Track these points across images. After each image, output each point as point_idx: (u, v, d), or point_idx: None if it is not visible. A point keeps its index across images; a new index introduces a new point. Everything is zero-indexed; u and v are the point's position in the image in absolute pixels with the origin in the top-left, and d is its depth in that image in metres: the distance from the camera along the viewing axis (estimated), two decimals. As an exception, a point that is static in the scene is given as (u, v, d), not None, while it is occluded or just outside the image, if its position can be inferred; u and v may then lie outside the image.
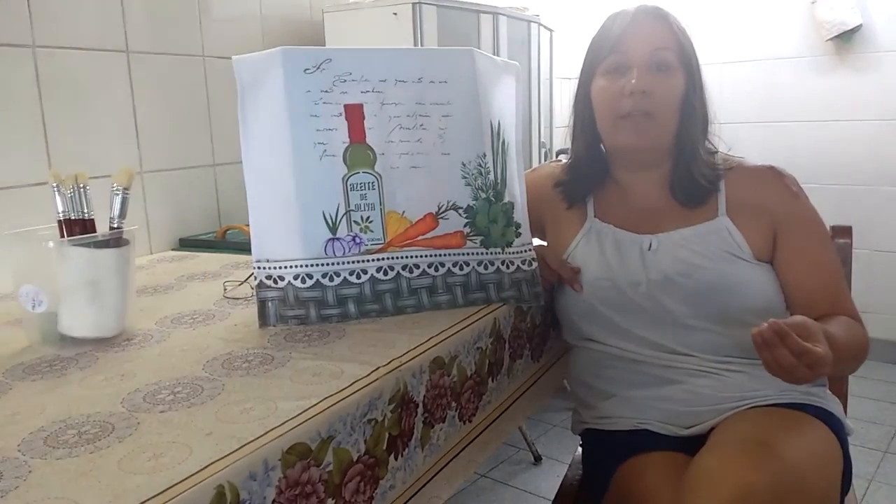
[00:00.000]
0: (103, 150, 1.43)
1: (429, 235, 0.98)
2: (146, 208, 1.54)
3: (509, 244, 1.03)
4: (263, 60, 0.91)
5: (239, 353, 0.82)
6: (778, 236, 1.04)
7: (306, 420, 0.64)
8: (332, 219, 0.93)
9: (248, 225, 0.95)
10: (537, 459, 2.21)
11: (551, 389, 1.23)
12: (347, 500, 0.68)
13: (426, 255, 0.98)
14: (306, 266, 0.93)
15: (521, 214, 1.04)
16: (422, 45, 1.79)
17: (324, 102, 0.92)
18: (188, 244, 1.60)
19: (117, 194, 0.90)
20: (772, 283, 1.03)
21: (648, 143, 1.05)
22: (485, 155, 1.00)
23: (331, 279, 0.93)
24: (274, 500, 0.59)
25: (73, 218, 0.88)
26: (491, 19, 2.09)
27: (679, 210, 1.07)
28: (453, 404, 0.88)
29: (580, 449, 1.17)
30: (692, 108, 1.05)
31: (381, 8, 1.85)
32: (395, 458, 0.76)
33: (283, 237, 0.93)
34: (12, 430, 0.63)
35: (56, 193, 0.87)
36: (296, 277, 0.92)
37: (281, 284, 0.92)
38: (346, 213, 0.94)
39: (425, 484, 0.83)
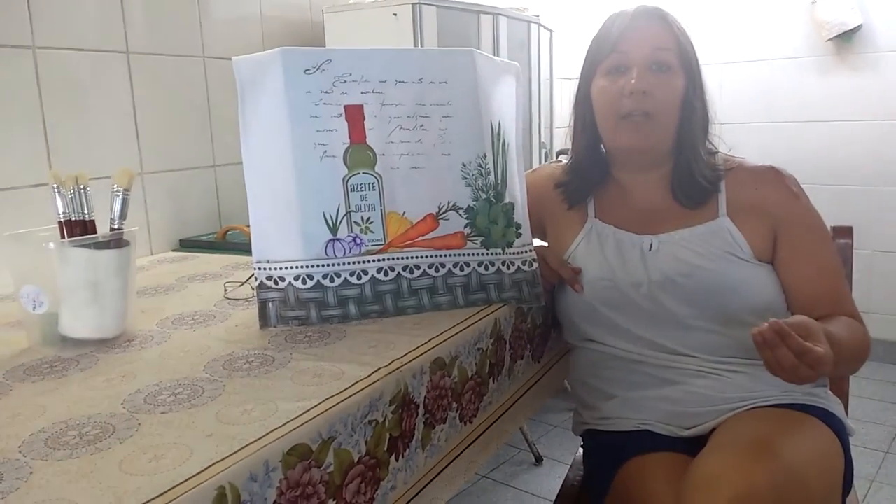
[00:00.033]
0: (103, 151, 1.43)
1: (429, 236, 0.98)
2: (147, 209, 1.54)
3: (510, 245, 1.03)
4: (263, 61, 0.91)
5: (240, 354, 0.82)
6: (779, 237, 1.04)
7: (307, 421, 0.64)
8: (332, 219, 0.93)
9: (248, 226, 0.95)
10: (538, 460, 2.21)
11: (552, 390, 1.22)
12: (348, 502, 0.68)
13: (427, 256, 0.98)
14: (307, 267, 0.93)
15: (521, 215, 1.04)
16: (422, 46, 1.79)
17: (324, 103, 0.92)
18: (189, 245, 1.60)
19: (118, 195, 0.90)
20: (773, 283, 1.03)
21: (649, 143, 1.05)
22: (485, 155, 1.00)
23: (331, 280, 0.93)
24: (275, 502, 0.59)
25: (73, 219, 0.88)
26: (491, 20, 2.09)
27: (680, 210, 1.07)
28: (454, 405, 0.88)
29: (581, 450, 1.17)
30: (692, 109, 1.05)
31: (381, 8, 1.85)
32: (396, 459, 0.76)
33: (284, 238, 0.93)
34: (13, 431, 0.63)
35: (56, 194, 0.87)
36: (296, 278, 0.92)
37: (281, 285, 0.92)
38: (346, 214, 0.94)
39: (426, 485, 0.83)
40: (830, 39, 2.71)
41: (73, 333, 0.85)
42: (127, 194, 0.90)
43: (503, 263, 1.02)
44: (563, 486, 1.18)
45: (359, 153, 0.94)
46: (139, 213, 1.51)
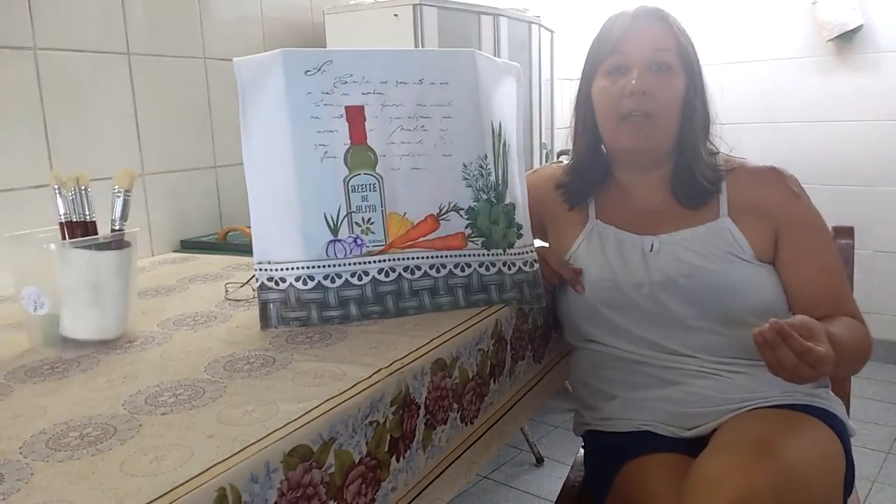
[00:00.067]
0: (104, 152, 1.43)
1: (430, 237, 0.98)
2: (147, 210, 1.54)
3: (511, 245, 1.03)
4: (264, 62, 0.91)
5: (240, 355, 0.82)
6: (780, 237, 1.03)
7: (308, 422, 0.64)
8: (333, 220, 0.93)
9: (249, 227, 0.95)
10: (539, 461, 2.21)
11: (553, 391, 1.22)
12: (349, 503, 0.68)
13: (427, 257, 0.98)
14: (308, 268, 0.93)
15: (522, 216, 1.04)
16: (422, 47, 1.79)
17: (325, 104, 0.92)
18: (189, 246, 1.60)
19: (118, 196, 0.90)
20: (774, 284, 1.03)
21: (649, 144, 1.04)
22: (486, 156, 1.00)
23: (332, 281, 0.93)
24: (276, 503, 0.59)
25: (74, 220, 0.88)
26: (492, 20, 2.09)
27: (681, 211, 1.07)
28: (455, 406, 0.88)
29: (582, 450, 1.17)
30: (693, 109, 1.05)
31: (382, 9, 1.85)
32: (397, 460, 0.76)
33: (285, 239, 0.93)
34: (14, 432, 0.63)
35: (57, 195, 0.87)
36: (297, 279, 0.92)
37: (282, 286, 0.92)
38: (347, 215, 0.94)
39: (427, 486, 0.83)
40: (831, 40, 2.71)
41: (74, 334, 0.85)
42: (128, 195, 0.90)
43: (504, 264, 1.02)
44: (563, 486, 1.18)
45: (359, 154, 0.94)
46: (140, 214, 1.52)
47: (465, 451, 0.91)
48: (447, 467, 0.87)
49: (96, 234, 0.89)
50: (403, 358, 0.79)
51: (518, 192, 1.04)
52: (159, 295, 1.14)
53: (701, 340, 1.02)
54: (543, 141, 2.58)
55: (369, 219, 0.95)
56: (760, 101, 2.92)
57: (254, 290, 0.98)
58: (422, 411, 0.81)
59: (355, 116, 0.93)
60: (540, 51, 2.45)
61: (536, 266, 1.04)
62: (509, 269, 1.02)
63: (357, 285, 0.94)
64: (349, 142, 0.93)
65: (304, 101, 0.91)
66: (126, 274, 0.88)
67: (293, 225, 0.92)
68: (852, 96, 2.75)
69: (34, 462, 0.57)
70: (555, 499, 1.16)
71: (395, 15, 1.82)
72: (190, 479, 0.53)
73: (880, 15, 2.66)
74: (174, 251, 1.59)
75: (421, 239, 0.98)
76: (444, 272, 0.99)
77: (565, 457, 2.22)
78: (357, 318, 0.94)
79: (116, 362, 0.81)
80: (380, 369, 0.76)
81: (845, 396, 1.14)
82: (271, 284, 0.92)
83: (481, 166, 1.00)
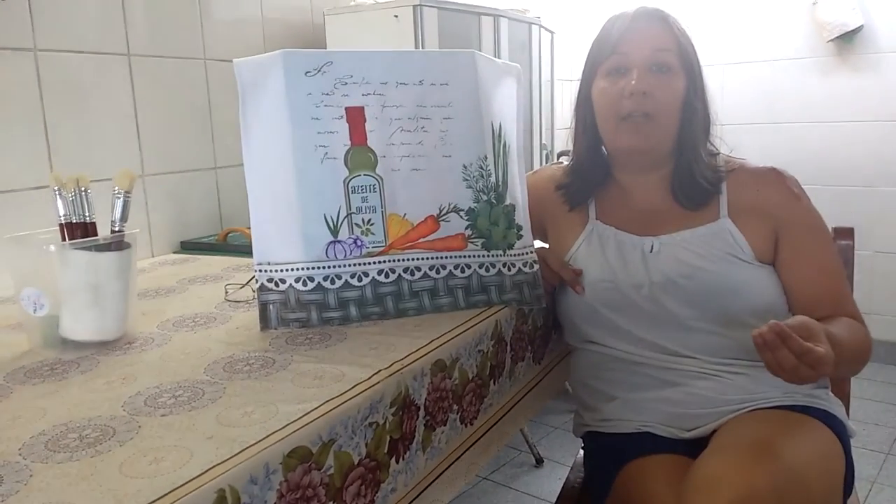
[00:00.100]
0: (104, 154, 1.43)
1: (430, 238, 0.98)
2: (147, 211, 1.54)
3: (511, 246, 1.03)
4: (264, 63, 0.91)
5: (240, 357, 0.82)
6: (780, 238, 1.03)
7: (307, 423, 0.64)
8: (333, 221, 0.93)
9: (249, 228, 0.95)
10: (539, 462, 2.21)
11: (553, 392, 1.22)
12: (349, 504, 0.68)
13: (427, 258, 0.98)
14: (307, 269, 0.93)
15: (522, 216, 1.04)
16: (422, 48, 1.79)
17: (325, 105, 0.92)
18: (189, 247, 1.60)
19: (118, 197, 0.90)
20: (774, 284, 1.03)
21: (649, 144, 1.04)
22: (486, 157, 1.00)
23: (332, 282, 0.93)
24: (275, 504, 0.59)
25: (74, 221, 0.88)
26: (492, 21, 2.09)
27: (681, 212, 1.07)
28: (455, 407, 0.88)
29: (582, 451, 1.17)
30: (693, 110, 1.05)
31: (382, 10, 1.85)
32: (397, 462, 0.76)
33: (285, 240, 0.93)
34: (13, 433, 0.63)
35: (57, 197, 0.87)
36: (297, 280, 0.92)
37: (282, 287, 0.92)
38: (347, 216, 0.94)
39: (427, 487, 0.83)
40: (831, 40, 2.71)
41: (74, 336, 0.85)
42: (128, 196, 0.90)
43: (504, 265, 1.02)
44: (563, 487, 1.18)
45: (360, 155, 0.94)
46: (140, 215, 1.51)
47: (465, 452, 0.91)
48: (447, 468, 0.87)
49: (96, 235, 0.88)
50: (403, 359, 0.79)
51: (518, 193, 1.04)
52: (159, 296, 1.14)
53: (701, 341, 1.02)
54: (543, 142, 2.58)
55: (369, 220, 0.95)
56: (761, 102, 2.92)
57: (254, 292, 0.98)
58: (421, 412, 0.81)
59: (355, 117, 0.93)
60: (540, 52, 2.45)
61: (536, 267, 1.04)
62: (509, 270, 1.02)
63: (357, 286, 0.94)
64: (349, 143, 0.93)
65: (304, 103, 0.91)
66: (126, 275, 0.88)
67: (293, 226, 0.92)
68: (853, 97, 2.75)
69: (33, 463, 0.57)
70: (554, 500, 1.16)
71: (396, 16, 1.82)
72: (189, 481, 0.53)
73: (881, 15, 2.66)
74: (174, 252, 1.59)
75: (421, 240, 0.98)
76: (443, 273, 0.99)
77: (565, 458, 2.22)
78: (357, 320, 0.94)
79: (116, 363, 0.81)
80: (379, 370, 0.76)
81: (845, 397, 1.14)
82: (271, 285, 0.92)
83: (481, 167, 1.00)
